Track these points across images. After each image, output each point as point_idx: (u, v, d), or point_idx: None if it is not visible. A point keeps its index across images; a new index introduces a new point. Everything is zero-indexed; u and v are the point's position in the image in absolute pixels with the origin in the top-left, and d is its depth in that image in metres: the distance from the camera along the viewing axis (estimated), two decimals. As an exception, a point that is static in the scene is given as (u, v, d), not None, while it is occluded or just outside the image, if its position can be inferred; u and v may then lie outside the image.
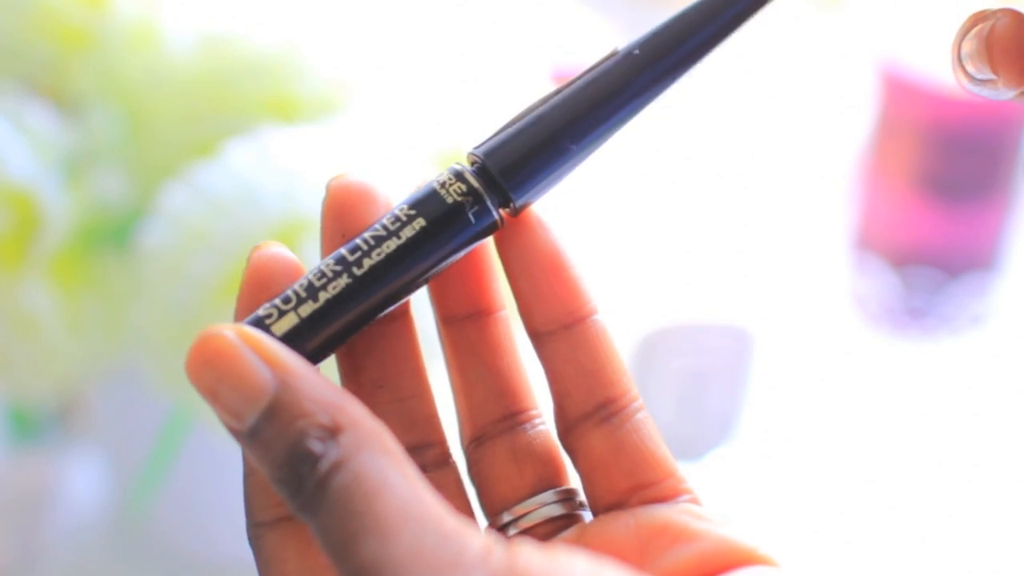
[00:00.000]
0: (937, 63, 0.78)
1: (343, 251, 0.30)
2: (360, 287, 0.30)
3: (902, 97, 0.80)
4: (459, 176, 0.31)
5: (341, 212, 0.31)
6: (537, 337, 0.33)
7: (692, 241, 0.83)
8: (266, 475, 0.27)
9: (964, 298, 0.82)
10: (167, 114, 0.57)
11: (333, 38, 0.58)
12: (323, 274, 0.30)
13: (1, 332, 0.56)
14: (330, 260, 0.30)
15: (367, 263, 0.30)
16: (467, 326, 0.33)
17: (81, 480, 0.72)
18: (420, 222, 0.30)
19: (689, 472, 0.33)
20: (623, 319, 0.67)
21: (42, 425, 0.74)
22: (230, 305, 0.52)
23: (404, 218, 0.30)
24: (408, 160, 0.56)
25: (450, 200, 0.31)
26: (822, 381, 0.81)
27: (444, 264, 0.31)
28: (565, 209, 0.60)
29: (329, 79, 0.57)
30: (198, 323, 0.52)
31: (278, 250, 0.31)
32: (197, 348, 0.27)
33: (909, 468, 0.75)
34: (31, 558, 0.68)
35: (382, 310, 0.31)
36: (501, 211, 0.31)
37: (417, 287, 0.31)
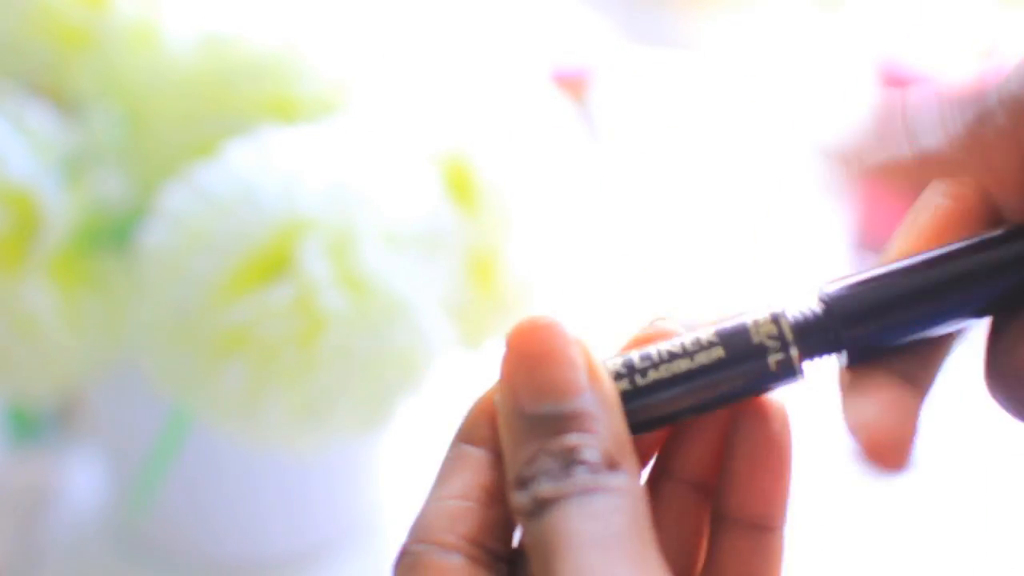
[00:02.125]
0: (936, 62, 0.78)
1: (634, 356, 0.30)
2: (636, 394, 0.30)
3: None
4: (775, 320, 0.31)
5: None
6: (724, 519, 0.32)
7: (692, 241, 0.83)
8: (516, 450, 0.27)
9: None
10: (167, 114, 0.57)
11: (333, 38, 0.58)
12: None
13: (1, 332, 0.56)
14: (618, 361, 0.30)
15: (652, 375, 0.30)
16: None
17: (81, 480, 0.72)
18: (719, 352, 0.31)
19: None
20: (623, 319, 0.67)
21: (42, 425, 0.74)
22: (230, 305, 0.52)
23: (706, 344, 0.31)
24: (408, 160, 0.56)
25: (756, 341, 0.31)
26: (822, 381, 0.80)
27: (729, 400, 0.31)
28: (567, 209, 0.60)
29: (329, 79, 0.57)
30: (198, 323, 0.52)
31: (668, 325, 0.31)
32: (539, 322, 0.28)
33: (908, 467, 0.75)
34: (31, 558, 0.68)
35: (646, 428, 0.31)
36: (803, 362, 0.32)
37: (689, 415, 0.31)
